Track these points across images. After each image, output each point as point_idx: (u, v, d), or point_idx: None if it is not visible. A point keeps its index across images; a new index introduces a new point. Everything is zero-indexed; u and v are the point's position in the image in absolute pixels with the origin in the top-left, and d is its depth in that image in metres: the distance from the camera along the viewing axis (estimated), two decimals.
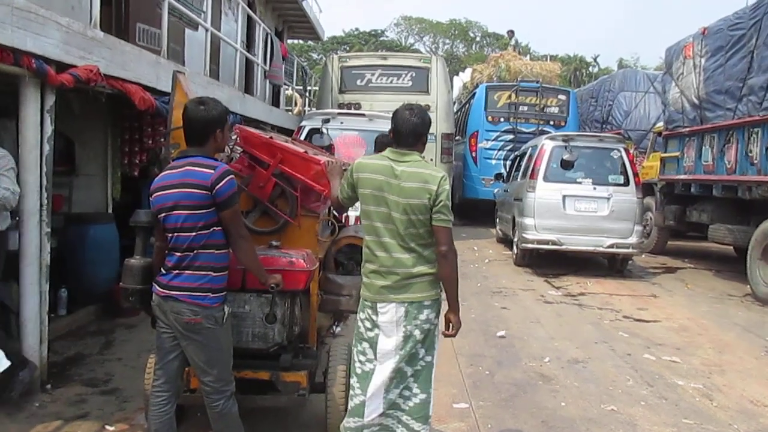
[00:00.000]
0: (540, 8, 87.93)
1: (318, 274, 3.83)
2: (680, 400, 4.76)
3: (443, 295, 3.13)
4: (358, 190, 3.10)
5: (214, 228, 3.01)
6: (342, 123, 8.87)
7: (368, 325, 3.09)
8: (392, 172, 3.01)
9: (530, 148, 10.78)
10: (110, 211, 6.93)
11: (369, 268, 3.08)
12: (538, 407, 4.51)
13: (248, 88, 11.84)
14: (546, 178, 9.59)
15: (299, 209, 3.68)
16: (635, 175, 9.69)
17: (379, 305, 3.04)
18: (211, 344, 3.04)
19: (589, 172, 9.64)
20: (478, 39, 50.98)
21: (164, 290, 3.02)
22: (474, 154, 15.22)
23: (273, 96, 14.45)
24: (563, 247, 9.51)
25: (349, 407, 3.14)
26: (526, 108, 15.27)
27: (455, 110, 16.33)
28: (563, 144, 9.76)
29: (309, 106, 16.84)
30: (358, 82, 12.65)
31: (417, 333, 3.03)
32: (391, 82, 12.58)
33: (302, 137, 8.25)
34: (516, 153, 12.51)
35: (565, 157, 9.60)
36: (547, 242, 9.50)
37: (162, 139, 6.29)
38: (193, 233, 2.96)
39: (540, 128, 14.73)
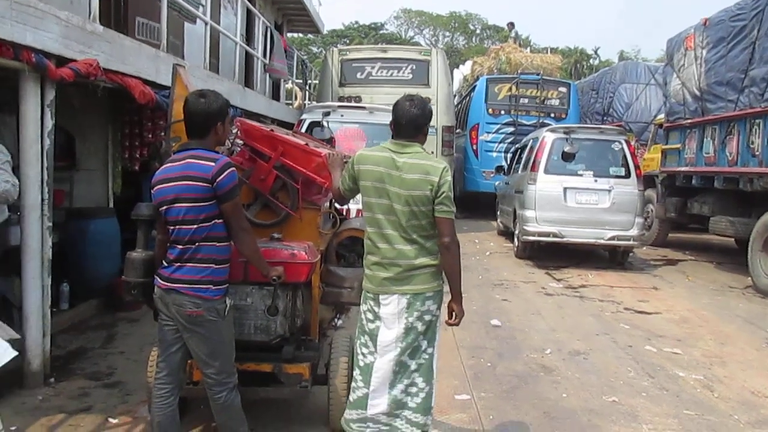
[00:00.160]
0: (540, 0, 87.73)
1: (319, 266, 3.83)
2: (681, 391, 4.77)
3: (445, 287, 3.13)
4: (359, 182, 3.09)
5: (216, 221, 3.01)
6: (342, 116, 8.86)
7: (370, 316, 3.10)
8: (393, 163, 3.01)
9: (531, 141, 10.77)
10: (111, 205, 6.93)
11: (371, 260, 3.08)
12: (540, 398, 4.52)
13: (248, 81, 11.82)
14: (547, 171, 9.57)
15: (300, 202, 3.68)
16: (636, 167, 9.68)
17: (381, 297, 3.05)
18: (214, 336, 3.05)
19: (590, 164, 9.62)
20: (478, 31, 50.87)
21: (166, 283, 3.03)
22: (475, 147, 15.20)
23: (273, 90, 14.42)
24: (564, 239, 9.50)
25: (351, 399, 3.14)
26: (526, 100, 15.25)
27: (456, 103, 16.30)
28: (564, 136, 9.74)
29: (309, 99, 16.81)
30: (359, 75, 12.62)
31: (419, 324, 3.03)
32: (391, 75, 12.56)
33: (303, 130, 8.24)
34: (517, 145, 12.49)
35: (566, 149, 9.59)
36: (548, 234, 9.49)
37: (162, 134, 6.29)
38: (195, 226, 2.97)
39: (541, 120, 14.71)
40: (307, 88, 17.49)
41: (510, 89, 15.25)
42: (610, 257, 10.14)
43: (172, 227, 3.02)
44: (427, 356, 3.09)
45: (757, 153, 8.10)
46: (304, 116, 9.31)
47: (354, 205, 4.21)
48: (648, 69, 16.69)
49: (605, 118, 16.64)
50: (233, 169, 3.02)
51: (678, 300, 7.81)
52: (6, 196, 4.05)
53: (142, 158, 6.88)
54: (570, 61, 39.00)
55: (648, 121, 15.36)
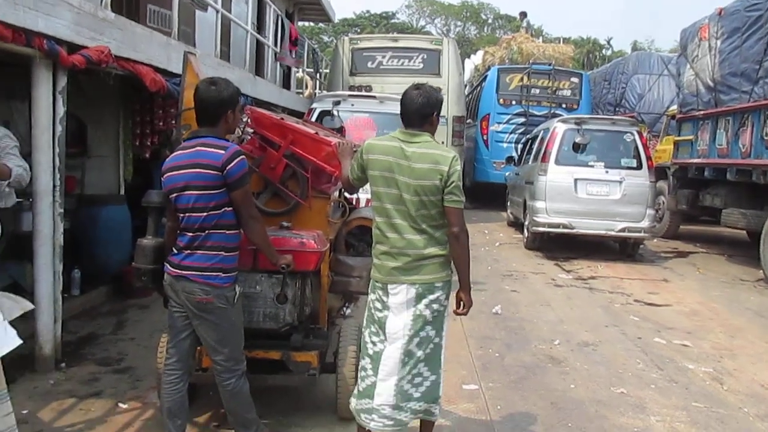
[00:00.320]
0: None
1: (328, 255, 3.84)
2: (690, 383, 4.76)
3: (454, 277, 3.13)
4: (367, 172, 3.08)
5: (225, 208, 3.02)
6: (353, 105, 8.84)
7: (379, 306, 3.10)
8: (402, 153, 2.99)
9: (542, 131, 10.71)
10: (122, 192, 6.97)
11: (380, 250, 3.08)
12: (548, 389, 4.52)
13: (259, 70, 11.81)
14: (558, 162, 9.52)
15: (310, 190, 3.69)
16: (648, 158, 9.61)
17: (390, 286, 3.04)
18: (223, 323, 3.07)
19: (601, 155, 9.56)
20: (490, 21, 50.48)
21: (176, 270, 3.04)
22: (485, 137, 15.14)
23: (284, 78, 14.41)
24: (574, 230, 9.47)
25: (360, 388, 3.14)
26: (538, 91, 15.15)
27: (467, 93, 16.23)
28: (575, 127, 9.68)
29: (320, 88, 16.79)
30: (369, 65, 12.58)
31: (427, 314, 3.03)
32: (402, 64, 12.51)
33: (313, 119, 8.23)
34: (528, 136, 12.43)
35: (577, 140, 9.54)
36: (558, 226, 9.46)
37: (173, 121, 6.31)
38: (205, 213, 2.98)
39: (552, 111, 14.61)
40: (318, 77, 17.47)
41: (521, 79, 15.15)
42: (621, 249, 10.09)
43: (182, 214, 3.03)
44: (433, 346, 3.09)
45: None
46: (314, 105, 9.29)
47: (364, 195, 4.20)
48: (661, 59, 16.54)
49: (617, 109, 16.52)
50: (243, 157, 3.03)
51: (688, 292, 7.78)
52: (19, 180, 4.08)
53: (153, 146, 6.90)
54: (582, 52, 38.63)
55: (660, 112, 15.24)
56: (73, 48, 4.40)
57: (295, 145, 3.63)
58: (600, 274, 8.59)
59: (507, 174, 13.28)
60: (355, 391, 3.20)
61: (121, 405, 3.95)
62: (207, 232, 3.00)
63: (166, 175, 3.05)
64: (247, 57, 9.98)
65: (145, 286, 3.39)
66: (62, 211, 4.53)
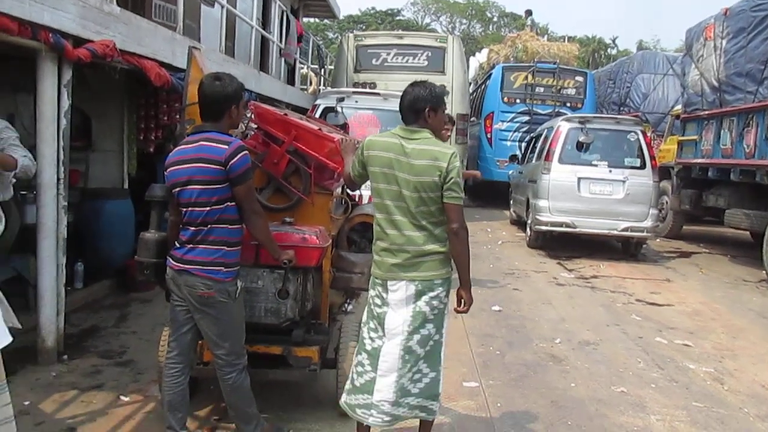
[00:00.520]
0: None
1: (331, 251, 3.85)
2: (691, 383, 4.76)
3: (454, 275, 3.13)
4: (368, 168, 3.09)
5: (228, 203, 3.03)
6: (357, 102, 8.84)
7: (378, 302, 3.10)
8: (402, 149, 3.00)
9: (546, 130, 10.70)
10: (126, 186, 6.98)
11: (380, 246, 3.09)
12: (548, 387, 4.53)
13: (263, 66, 11.81)
14: (561, 160, 9.52)
15: (313, 186, 3.69)
16: (652, 158, 9.59)
17: (389, 283, 3.05)
18: (224, 318, 3.08)
19: (605, 154, 9.55)
20: (495, 19, 50.44)
21: (178, 264, 3.05)
22: (489, 136, 15.13)
23: (288, 74, 14.41)
24: (577, 229, 9.47)
25: (356, 384, 3.13)
26: (542, 89, 15.13)
27: (471, 91, 16.21)
28: (579, 126, 9.67)
29: (324, 85, 16.78)
30: (374, 62, 12.58)
31: (427, 311, 3.03)
32: (406, 61, 12.51)
33: (317, 116, 8.23)
34: (531, 134, 12.42)
35: (581, 139, 9.53)
36: (560, 224, 9.46)
37: (177, 116, 6.32)
38: (207, 208, 2.99)
39: (556, 110, 14.61)
40: (323, 73, 17.46)
41: (526, 78, 15.14)
42: (623, 248, 10.09)
43: (184, 209, 3.04)
44: (433, 343, 3.09)
45: None
46: (318, 101, 9.29)
47: (366, 191, 4.20)
48: (666, 59, 16.48)
49: (622, 108, 16.48)
50: (246, 152, 3.04)
51: (691, 292, 7.77)
52: (25, 170, 4.10)
53: (157, 140, 6.91)
54: (588, 51, 38.58)
55: (665, 111, 15.18)
56: (79, 42, 4.41)
57: (299, 141, 3.63)
58: (602, 274, 8.59)
59: (510, 172, 13.27)
60: (349, 386, 3.18)
61: (122, 398, 3.97)
62: (209, 226, 3.01)
63: (169, 170, 3.06)
64: (252, 53, 9.98)
65: (148, 280, 3.41)
66: (66, 204, 4.54)
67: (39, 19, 3.96)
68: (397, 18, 47.34)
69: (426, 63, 12.43)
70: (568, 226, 9.42)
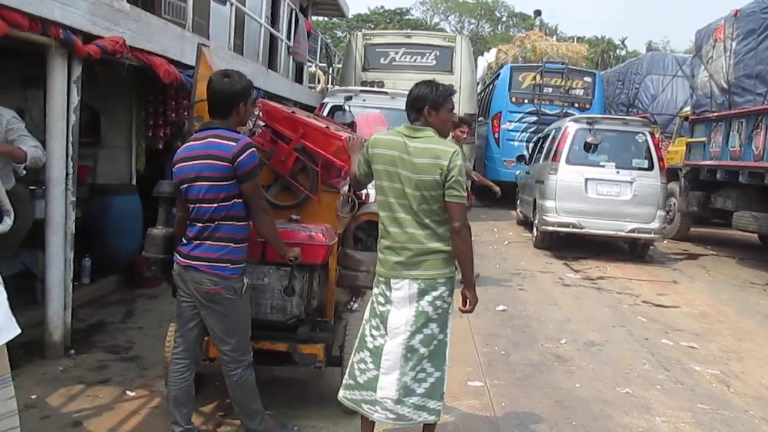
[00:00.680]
0: None
1: (337, 249, 3.86)
2: (696, 385, 4.74)
3: (458, 275, 3.13)
4: (372, 166, 3.10)
5: (235, 200, 3.04)
6: (364, 101, 8.84)
7: (381, 300, 3.11)
8: (405, 148, 3.00)
9: (554, 130, 10.68)
10: (134, 182, 7.02)
11: (383, 244, 3.10)
12: (553, 387, 4.52)
13: (272, 63, 11.82)
14: (569, 161, 9.49)
15: (320, 184, 3.70)
16: (660, 159, 9.55)
17: (392, 281, 3.05)
18: (230, 314, 3.10)
19: (612, 155, 9.51)
20: (504, 19, 50.32)
21: (185, 260, 3.07)
22: (496, 136, 15.11)
23: (296, 72, 14.43)
24: (584, 230, 9.44)
25: (360, 381, 3.12)
26: (550, 90, 15.10)
27: (479, 91, 16.19)
28: (587, 127, 9.64)
29: (332, 83, 16.79)
30: (382, 61, 12.59)
31: (430, 311, 3.03)
32: (414, 60, 12.51)
33: (324, 114, 8.24)
34: (539, 135, 12.39)
35: (589, 139, 9.50)
36: (567, 225, 9.44)
37: (186, 113, 6.34)
38: (215, 204, 3.00)
39: (564, 110, 14.57)
40: (331, 71, 17.47)
41: (534, 78, 15.11)
42: (630, 250, 10.06)
43: (192, 205, 3.06)
44: (437, 342, 3.09)
45: None
46: (326, 100, 9.31)
47: (374, 190, 4.21)
48: (675, 60, 16.40)
49: (630, 109, 16.41)
50: (254, 149, 3.05)
51: (697, 294, 7.74)
52: (36, 161, 4.13)
53: (166, 137, 6.94)
54: (597, 51, 38.45)
55: (674, 113, 15.12)
56: (89, 38, 4.43)
57: (306, 139, 3.64)
58: (608, 275, 8.57)
59: (517, 172, 13.25)
60: (348, 382, 3.19)
61: (128, 392, 3.99)
62: (216, 223, 3.03)
63: (177, 166, 3.07)
64: (261, 50, 10.00)
65: (155, 276, 3.42)
66: (74, 199, 4.57)
67: (49, 15, 3.99)
68: (406, 17, 47.31)
69: (434, 62, 12.43)
70: (574, 226, 9.39)
